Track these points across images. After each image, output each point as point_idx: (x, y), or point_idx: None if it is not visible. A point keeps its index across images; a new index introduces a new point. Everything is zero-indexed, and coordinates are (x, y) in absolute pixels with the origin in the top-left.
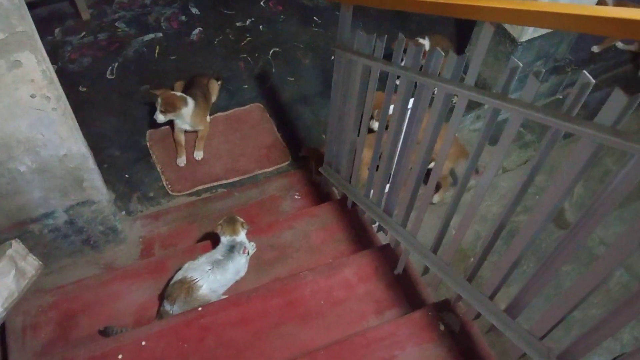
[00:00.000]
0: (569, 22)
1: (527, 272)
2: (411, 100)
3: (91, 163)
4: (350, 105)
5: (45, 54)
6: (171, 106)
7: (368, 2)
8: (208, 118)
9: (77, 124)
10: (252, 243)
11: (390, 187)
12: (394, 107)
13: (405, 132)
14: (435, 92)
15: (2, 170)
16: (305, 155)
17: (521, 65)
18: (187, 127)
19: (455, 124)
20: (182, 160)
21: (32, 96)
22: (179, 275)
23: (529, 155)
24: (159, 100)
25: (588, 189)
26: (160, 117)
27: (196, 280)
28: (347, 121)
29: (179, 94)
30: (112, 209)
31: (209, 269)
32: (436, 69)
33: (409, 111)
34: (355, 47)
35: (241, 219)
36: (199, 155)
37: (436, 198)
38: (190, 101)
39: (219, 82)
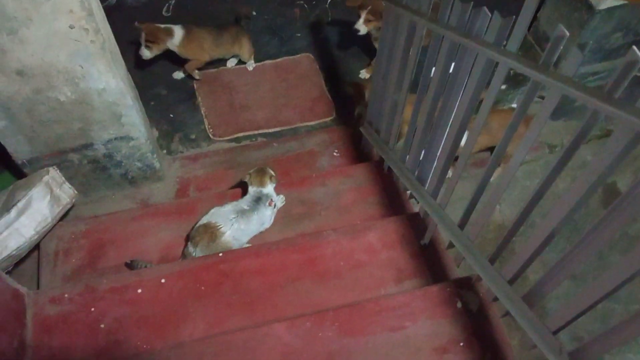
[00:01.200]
0: None
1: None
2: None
3: (130, 99)
4: (395, 63)
5: None
6: (153, 37)
7: None
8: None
9: (119, 58)
10: (281, 196)
11: (425, 155)
12: (434, 70)
13: (442, 98)
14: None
15: (42, 99)
16: (350, 92)
17: (568, 34)
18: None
19: (493, 93)
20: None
21: (71, 27)
22: (204, 220)
23: (591, 134)
24: (142, 33)
25: None
26: (146, 53)
27: (220, 226)
28: (390, 79)
29: (163, 25)
30: (150, 147)
31: (234, 217)
32: (481, 31)
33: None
34: (404, 0)
35: (271, 172)
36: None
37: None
38: (179, 31)
39: (246, 20)
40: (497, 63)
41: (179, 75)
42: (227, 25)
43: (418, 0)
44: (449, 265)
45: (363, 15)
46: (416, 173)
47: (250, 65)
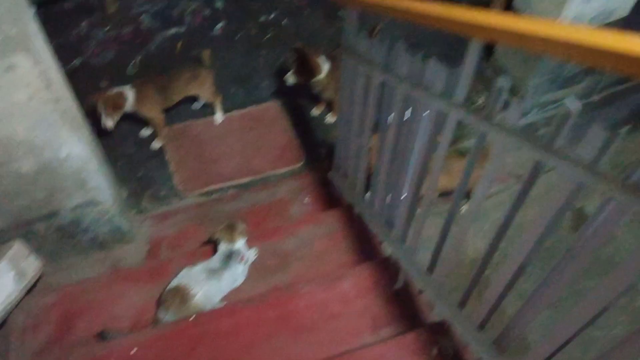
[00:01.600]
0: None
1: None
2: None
3: (94, 164)
4: (355, 109)
5: (46, 54)
6: (111, 106)
7: (369, 11)
8: (159, 114)
9: (82, 123)
10: (253, 249)
11: (391, 199)
12: (392, 116)
13: (401, 143)
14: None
15: (3, 172)
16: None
17: (508, 83)
18: None
19: (445, 142)
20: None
21: (30, 98)
22: (174, 282)
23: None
24: (99, 105)
25: None
26: (108, 123)
27: (190, 288)
28: (352, 124)
29: (114, 91)
30: (118, 210)
31: (204, 278)
32: (430, 82)
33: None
34: (359, 51)
35: (241, 226)
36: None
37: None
38: (129, 92)
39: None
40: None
41: (146, 132)
42: (184, 66)
43: (371, 51)
44: (424, 309)
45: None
46: (384, 217)
47: (219, 116)
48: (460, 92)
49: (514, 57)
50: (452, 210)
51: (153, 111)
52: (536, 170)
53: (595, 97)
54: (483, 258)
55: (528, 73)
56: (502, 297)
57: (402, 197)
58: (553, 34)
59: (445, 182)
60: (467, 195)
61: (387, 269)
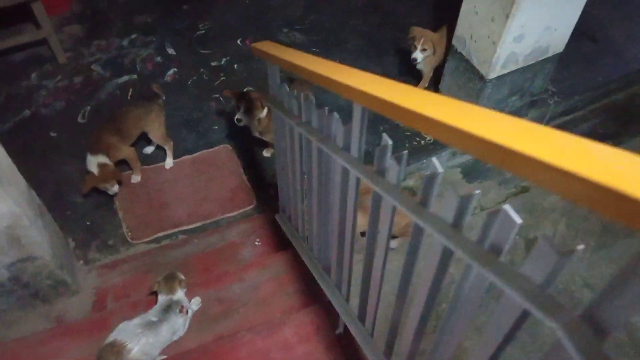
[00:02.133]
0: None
1: None
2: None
3: (27, 220)
4: (287, 156)
5: None
6: (110, 179)
7: (283, 65)
8: (129, 150)
9: (13, 180)
10: (196, 298)
11: (323, 243)
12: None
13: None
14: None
15: None
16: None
17: (390, 143)
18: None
19: (351, 199)
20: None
21: None
22: (111, 337)
23: (508, 193)
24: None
25: (570, 228)
26: (114, 189)
27: (126, 343)
28: (287, 170)
29: (95, 174)
30: (58, 263)
31: (141, 332)
32: (335, 136)
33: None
34: (281, 102)
35: (181, 276)
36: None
37: (394, 244)
38: (101, 158)
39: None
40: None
41: (94, 164)
42: (135, 103)
43: (290, 102)
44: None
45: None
46: (321, 263)
47: (169, 161)
48: (354, 150)
49: (457, 93)
50: (368, 254)
51: (123, 153)
52: (418, 232)
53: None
54: (394, 306)
55: None
56: (413, 351)
57: (330, 244)
58: (422, 110)
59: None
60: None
61: (329, 314)
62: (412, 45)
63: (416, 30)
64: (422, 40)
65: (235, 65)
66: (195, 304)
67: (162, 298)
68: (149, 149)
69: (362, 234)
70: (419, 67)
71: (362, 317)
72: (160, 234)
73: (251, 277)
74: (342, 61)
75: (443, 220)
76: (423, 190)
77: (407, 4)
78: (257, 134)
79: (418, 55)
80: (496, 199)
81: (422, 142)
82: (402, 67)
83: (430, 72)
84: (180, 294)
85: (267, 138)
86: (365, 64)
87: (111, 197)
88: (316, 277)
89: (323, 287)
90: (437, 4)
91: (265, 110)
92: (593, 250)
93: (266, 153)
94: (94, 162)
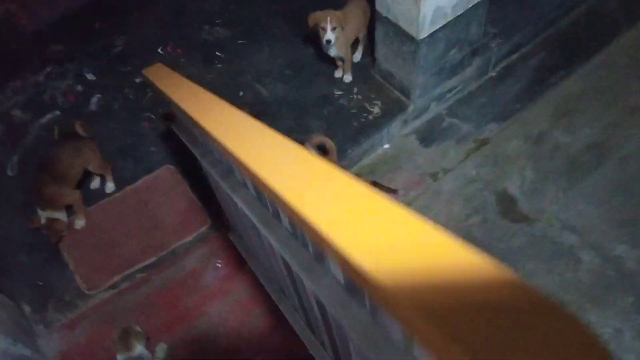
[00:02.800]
0: None
1: None
2: None
3: None
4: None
5: None
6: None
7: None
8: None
9: None
10: (162, 345)
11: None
12: None
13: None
14: None
15: None
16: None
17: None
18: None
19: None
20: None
21: None
22: None
23: (467, 149)
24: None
25: (538, 171)
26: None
27: None
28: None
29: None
30: (9, 340)
31: None
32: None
33: None
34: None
35: (136, 329)
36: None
37: None
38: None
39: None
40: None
41: (43, 217)
42: (62, 145)
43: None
44: None
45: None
46: (278, 282)
47: (110, 186)
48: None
49: (394, 60)
50: None
51: (68, 198)
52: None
53: (492, 73)
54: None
55: (411, 73)
56: None
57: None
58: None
59: None
60: None
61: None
62: (320, 30)
63: (317, 15)
64: (328, 20)
65: None
66: (161, 351)
67: (121, 358)
68: (96, 183)
69: None
70: (333, 53)
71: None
72: (116, 278)
73: (216, 309)
74: (272, 49)
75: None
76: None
77: None
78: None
79: (331, 36)
80: (457, 158)
81: (370, 116)
82: None
83: (349, 51)
84: (139, 349)
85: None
86: (297, 48)
87: (58, 250)
88: (274, 298)
89: (282, 309)
90: None
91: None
92: (565, 190)
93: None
94: (43, 217)
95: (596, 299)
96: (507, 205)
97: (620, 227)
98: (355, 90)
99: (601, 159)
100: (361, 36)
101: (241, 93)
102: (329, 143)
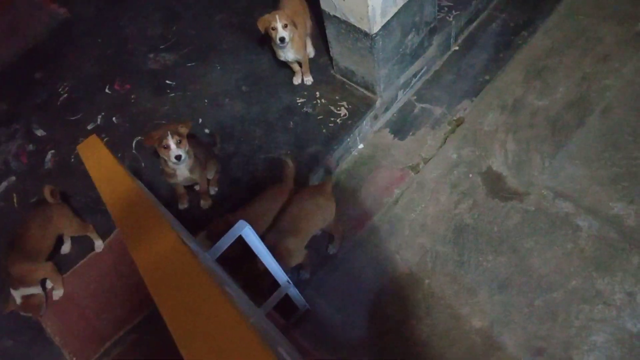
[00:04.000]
0: None
1: None
2: None
3: None
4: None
5: None
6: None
7: None
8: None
9: None
10: None
11: None
12: None
13: None
14: None
15: None
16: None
17: None
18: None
19: None
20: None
21: None
22: None
23: (444, 133)
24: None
25: (520, 142)
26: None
27: None
28: None
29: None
30: None
31: None
32: None
33: None
34: None
35: None
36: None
37: (332, 249)
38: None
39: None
40: None
41: (18, 297)
42: (30, 215)
43: None
44: None
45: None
46: None
47: (99, 243)
48: None
49: (352, 57)
50: None
51: (41, 272)
52: None
53: (455, 48)
54: None
55: (372, 67)
56: None
57: None
58: None
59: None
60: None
61: None
62: (272, 32)
63: (266, 17)
64: (277, 18)
65: (114, 118)
66: None
67: None
68: (66, 247)
69: None
70: (290, 57)
71: None
72: (107, 344)
73: None
74: (224, 66)
75: None
76: None
77: None
78: None
79: (284, 33)
80: (435, 144)
81: (338, 119)
82: None
83: (304, 51)
84: None
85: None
86: (250, 61)
87: (40, 327)
88: None
89: None
90: None
91: None
92: (551, 156)
93: (204, 203)
94: (18, 296)
95: (602, 266)
96: (495, 184)
97: (612, 184)
98: (318, 94)
99: (582, 116)
100: (308, 30)
101: (200, 120)
102: (289, 165)
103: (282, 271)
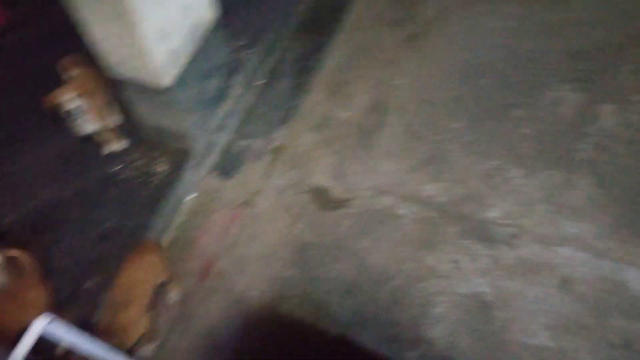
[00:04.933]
0: None
1: None
2: None
3: None
4: None
5: None
6: None
7: None
8: None
9: None
10: None
11: None
12: None
13: None
14: None
15: None
16: None
17: None
18: None
19: None
20: None
21: None
22: None
23: (267, 163)
24: None
25: (335, 153)
26: None
27: None
28: None
29: None
30: None
31: None
32: None
33: None
34: None
35: None
36: None
37: (172, 297)
38: None
39: None
40: None
41: None
42: None
43: None
44: None
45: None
46: None
47: None
48: None
49: (154, 114)
50: None
51: None
52: None
53: (259, 82)
54: None
55: (178, 119)
56: None
57: None
58: None
59: None
60: None
61: None
62: (61, 108)
63: (53, 93)
64: (64, 93)
65: None
66: None
67: None
68: None
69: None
70: (88, 129)
71: None
72: None
73: None
74: (28, 151)
75: None
76: None
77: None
78: None
79: (73, 105)
80: (262, 176)
81: (159, 177)
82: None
83: (104, 120)
84: None
85: None
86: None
87: None
88: None
89: None
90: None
91: None
92: (364, 159)
93: None
94: None
95: (427, 243)
96: (322, 197)
97: (420, 170)
98: (134, 157)
99: (382, 117)
100: (102, 98)
101: (14, 215)
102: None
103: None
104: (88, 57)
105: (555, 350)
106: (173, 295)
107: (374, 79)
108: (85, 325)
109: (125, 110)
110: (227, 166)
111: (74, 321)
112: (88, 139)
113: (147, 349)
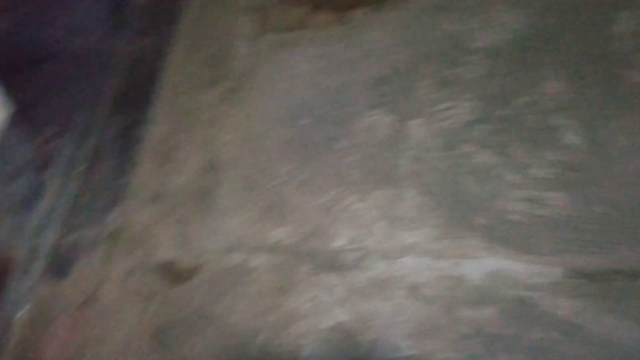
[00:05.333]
0: None
1: None
2: None
3: None
4: None
5: None
6: None
7: None
8: None
9: None
10: None
11: None
12: None
13: None
14: None
15: None
16: None
17: None
18: None
19: None
20: None
21: None
22: None
23: (106, 249)
24: None
25: (174, 224)
26: None
27: None
28: None
29: None
30: None
31: None
32: None
33: None
34: None
35: None
36: None
37: None
38: None
39: None
40: None
41: None
42: None
43: None
44: None
45: None
46: None
47: None
48: None
49: None
50: None
51: None
52: None
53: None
54: None
55: None
56: None
57: None
58: None
59: None
60: None
61: None
62: None
63: None
64: None
65: None
66: None
67: None
68: None
69: None
70: None
71: None
72: None
73: None
74: None
75: None
76: None
77: None
78: None
79: None
80: (102, 266)
81: None
82: None
83: None
84: None
85: None
86: None
87: None
88: None
89: None
90: None
91: None
92: (204, 222)
93: None
94: None
95: (285, 288)
96: (172, 272)
97: (262, 219)
98: None
99: (217, 174)
100: None
101: None
102: None
103: None
104: None
105: (419, 357)
106: None
107: (202, 140)
108: None
109: None
110: (60, 266)
111: None
112: None
113: None
